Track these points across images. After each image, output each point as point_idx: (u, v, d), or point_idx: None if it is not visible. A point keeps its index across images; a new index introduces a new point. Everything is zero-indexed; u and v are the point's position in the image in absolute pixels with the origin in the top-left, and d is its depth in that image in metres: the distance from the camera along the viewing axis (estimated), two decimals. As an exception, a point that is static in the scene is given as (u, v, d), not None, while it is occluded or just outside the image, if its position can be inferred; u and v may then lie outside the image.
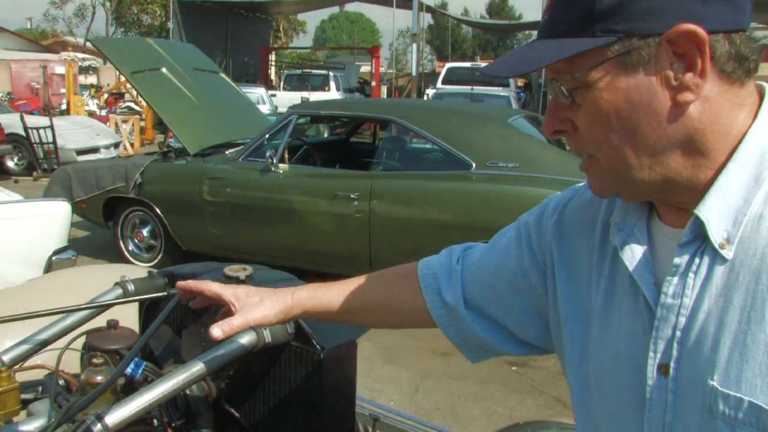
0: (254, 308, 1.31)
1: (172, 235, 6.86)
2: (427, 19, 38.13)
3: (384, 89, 29.83)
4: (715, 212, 0.88)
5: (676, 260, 0.91)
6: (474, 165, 5.55)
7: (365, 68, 36.21)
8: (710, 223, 0.88)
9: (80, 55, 31.64)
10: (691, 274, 0.90)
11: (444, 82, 21.92)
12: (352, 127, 8.86)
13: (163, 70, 7.51)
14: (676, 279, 0.91)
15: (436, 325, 1.30)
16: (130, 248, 7.22)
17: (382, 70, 32.70)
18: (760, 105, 0.92)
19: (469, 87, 18.33)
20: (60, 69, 23.97)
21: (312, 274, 5.94)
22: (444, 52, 59.04)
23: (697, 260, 0.90)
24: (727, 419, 0.85)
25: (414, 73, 25.67)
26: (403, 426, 2.08)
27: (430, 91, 20.59)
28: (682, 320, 0.90)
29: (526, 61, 0.94)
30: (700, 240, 0.90)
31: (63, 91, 22.09)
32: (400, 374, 4.82)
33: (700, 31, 0.84)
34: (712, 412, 0.86)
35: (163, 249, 7.03)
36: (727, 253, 0.87)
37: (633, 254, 0.98)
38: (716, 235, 0.88)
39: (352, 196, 5.84)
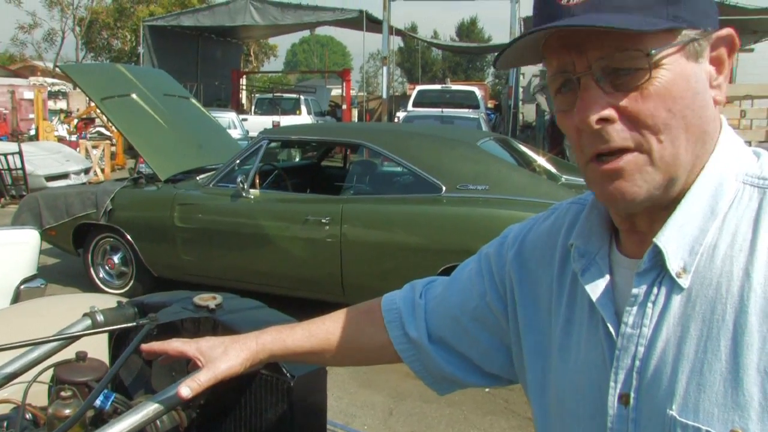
0: (219, 360, 1.29)
1: (143, 261, 6.81)
2: (397, 42, 38.36)
3: (355, 112, 29.92)
4: (672, 241, 0.90)
5: (635, 290, 0.92)
6: (444, 188, 5.59)
7: (336, 91, 36.31)
8: (668, 252, 0.89)
9: (49, 80, 31.36)
10: (649, 304, 0.91)
11: (415, 105, 22.01)
12: (323, 151, 8.88)
13: (133, 95, 7.49)
14: (635, 309, 0.92)
15: (402, 360, 1.30)
16: (101, 275, 7.15)
17: (353, 93, 32.79)
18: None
19: (440, 109, 18.45)
20: (29, 94, 23.71)
21: (285, 299, 5.92)
22: (414, 75, 59.43)
23: (655, 290, 0.91)
24: None
25: (384, 96, 25.78)
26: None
27: (401, 114, 20.68)
28: (641, 350, 0.91)
29: (605, 19, 0.85)
30: (657, 269, 0.91)
31: (32, 116, 21.88)
32: (374, 398, 4.81)
33: (737, 38, 0.90)
34: None
35: (134, 276, 6.97)
36: (684, 281, 0.89)
37: (595, 283, 0.99)
38: (673, 264, 0.89)
39: (324, 220, 5.85)
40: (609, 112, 0.88)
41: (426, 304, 1.29)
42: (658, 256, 0.91)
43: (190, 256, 6.56)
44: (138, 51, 31.07)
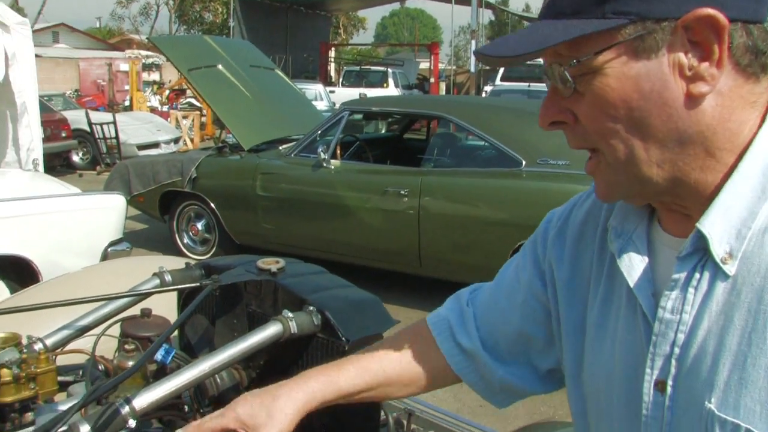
0: (264, 428, 1.13)
1: (225, 228, 6.99)
2: (487, 15, 37.93)
3: (443, 86, 29.77)
4: (717, 226, 0.83)
5: (675, 274, 0.87)
6: (524, 162, 5.53)
7: (425, 65, 36.21)
8: (712, 238, 0.83)
9: (144, 53, 32.24)
10: (691, 289, 0.85)
11: (503, 79, 21.71)
12: (405, 123, 8.88)
13: (219, 66, 7.65)
14: (674, 293, 0.87)
15: (458, 379, 1.24)
16: (185, 241, 7.37)
17: (441, 66, 32.63)
18: None
19: (527, 84, 18.20)
20: (124, 66, 24.49)
21: (361, 269, 5.99)
22: (504, 49, 58.51)
23: (697, 275, 0.85)
24: None
25: (473, 69, 25.54)
26: (438, 421, 2.08)
27: (488, 88, 20.46)
28: (681, 337, 0.86)
29: (529, 41, 0.85)
30: (701, 252, 0.85)
31: (127, 87, 22.60)
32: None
33: (720, 16, 0.78)
34: None
35: (217, 242, 7.16)
36: (730, 268, 0.82)
37: (631, 264, 0.94)
38: (718, 250, 0.83)
39: (403, 192, 5.87)
40: (559, 116, 0.90)
41: (475, 311, 1.23)
42: (701, 241, 0.84)
43: (271, 225, 6.69)
44: (229, 24, 31.62)
